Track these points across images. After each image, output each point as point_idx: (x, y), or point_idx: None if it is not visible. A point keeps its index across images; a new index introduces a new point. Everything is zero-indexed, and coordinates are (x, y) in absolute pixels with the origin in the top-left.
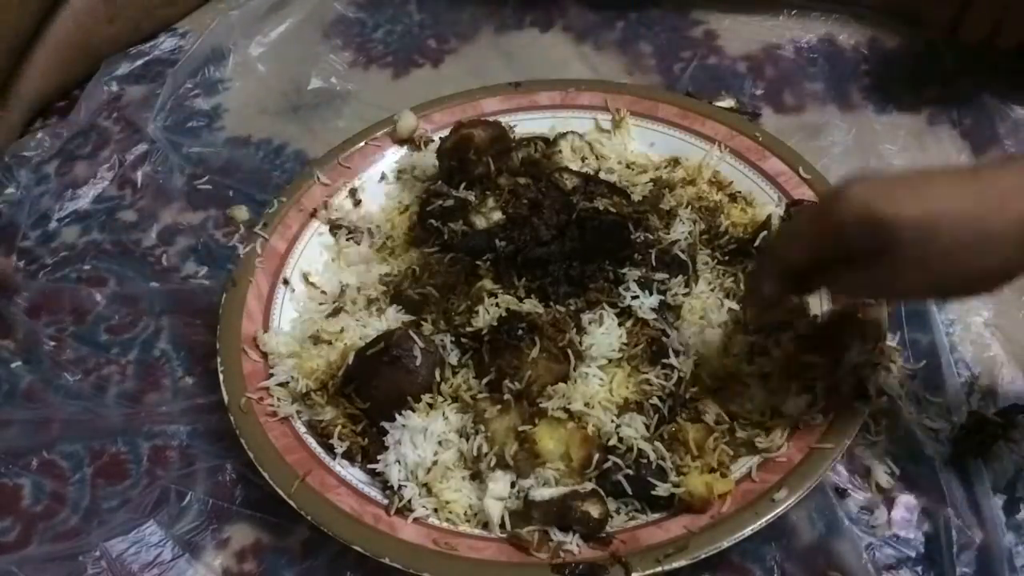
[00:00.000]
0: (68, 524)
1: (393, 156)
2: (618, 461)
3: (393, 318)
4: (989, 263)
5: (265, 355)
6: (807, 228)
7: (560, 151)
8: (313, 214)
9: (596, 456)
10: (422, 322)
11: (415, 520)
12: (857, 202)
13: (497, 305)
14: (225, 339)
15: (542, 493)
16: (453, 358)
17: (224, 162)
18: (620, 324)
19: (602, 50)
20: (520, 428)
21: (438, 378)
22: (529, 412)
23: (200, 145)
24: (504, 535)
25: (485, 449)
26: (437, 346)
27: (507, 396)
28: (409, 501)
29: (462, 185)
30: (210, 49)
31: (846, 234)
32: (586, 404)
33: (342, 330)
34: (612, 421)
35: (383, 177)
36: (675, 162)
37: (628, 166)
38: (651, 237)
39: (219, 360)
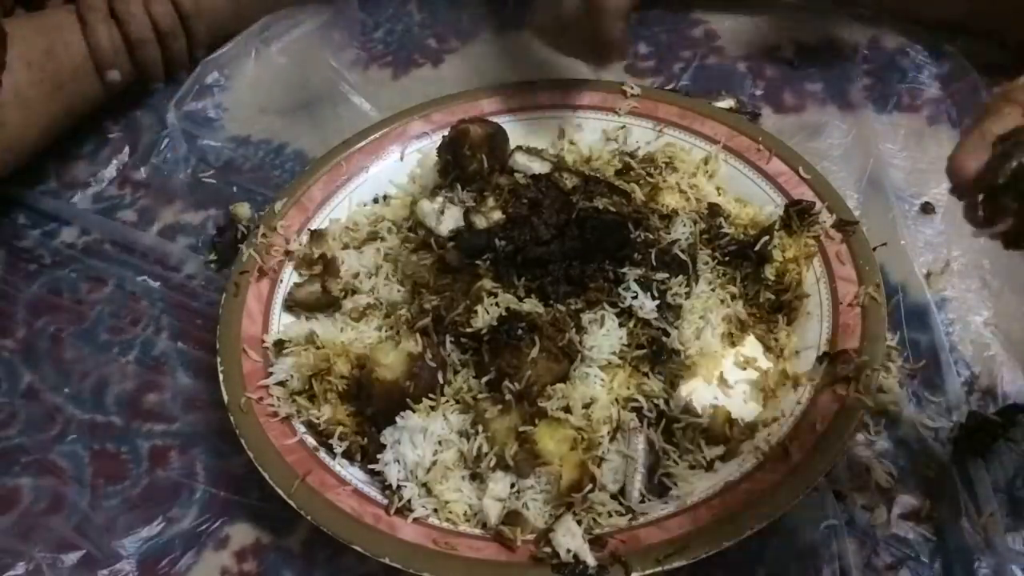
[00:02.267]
0: (68, 524)
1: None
2: (601, 503)
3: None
4: None
5: (265, 355)
6: None
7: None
8: (314, 213)
9: (587, 484)
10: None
11: (415, 520)
12: None
13: (497, 305)
14: (225, 339)
15: None
16: (454, 358)
17: (224, 161)
18: (620, 324)
19: None
20: (520, 428)
21: (440, 380)
22: (529, 412)
23: (200, 144)
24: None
25: (485, 449)
26: (439, 348)
27: (508, 396)
28: (409, 501)
29: (456, 182)
30: (210, 49)
31: None
32: (586, 407)
33: (342, 329)
34: (605, 436)
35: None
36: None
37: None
38: (651, 237)
39: (219, 360)
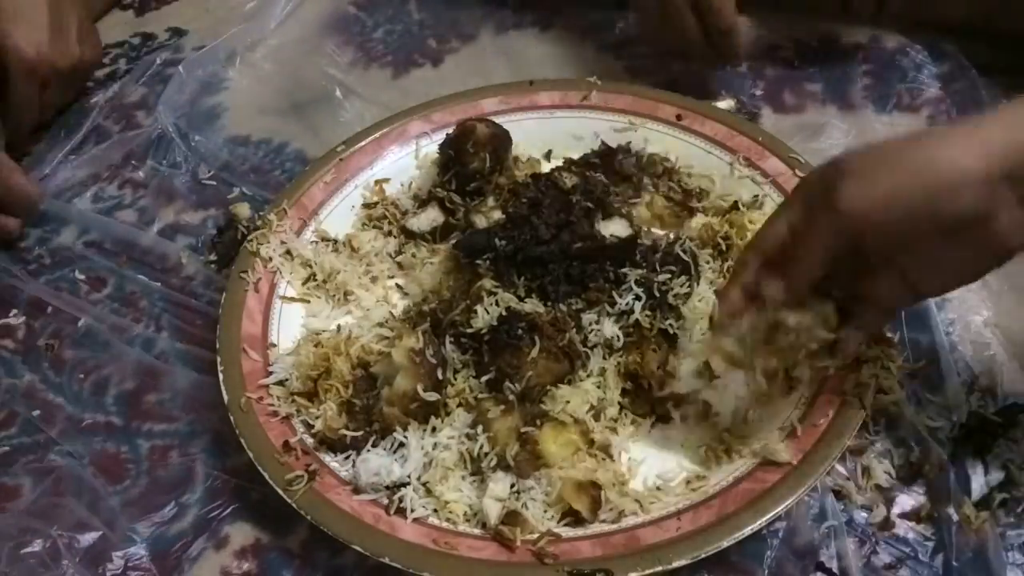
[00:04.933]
0: (67, 524)
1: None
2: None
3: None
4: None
5: (265, 355)
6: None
7: None
8: (314, 213)
9: (601, 497)
10: (423, 325)
11: (415, 520)
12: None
13: (497, 304)
14: (225, 339)
15: None
16: (454, 358)
17: (224, 161)
18: (620, 325)
19: (602, 50)
20: (522, 429)
21: (440, 376)
22: (531, 413)
23: (200, 144)
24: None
25: (487, 449)
26: (440, 350)
27: (510, 397)
28: (409, 501)
29: (455, 179)
30: (210, 48)
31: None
32: (588, 411)
33: (339, 329)
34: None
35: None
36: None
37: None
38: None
39: (219, 360)
